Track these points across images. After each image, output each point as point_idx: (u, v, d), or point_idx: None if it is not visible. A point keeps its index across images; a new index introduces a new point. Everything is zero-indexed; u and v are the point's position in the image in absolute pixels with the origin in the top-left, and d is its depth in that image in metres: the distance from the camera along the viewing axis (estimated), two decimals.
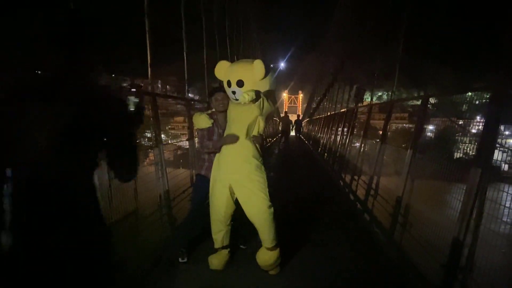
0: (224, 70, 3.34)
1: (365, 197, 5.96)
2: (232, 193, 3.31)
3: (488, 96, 3.01)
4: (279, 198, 3.76)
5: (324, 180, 9.40)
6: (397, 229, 4.25)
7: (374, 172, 5.87)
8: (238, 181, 3.25)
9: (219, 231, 3.43)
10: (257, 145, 3.30)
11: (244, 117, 3.23)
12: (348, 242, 4.33)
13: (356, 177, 7.18)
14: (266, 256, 3.32)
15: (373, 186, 5.76)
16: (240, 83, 3.16)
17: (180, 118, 6.23)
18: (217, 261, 3.46)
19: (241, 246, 3.92)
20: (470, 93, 3.50)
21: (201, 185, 3.55)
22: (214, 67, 3.36)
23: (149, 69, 4.09)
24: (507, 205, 2.63)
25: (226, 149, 3.29)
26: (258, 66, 3.12)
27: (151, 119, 4.07)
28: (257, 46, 19.38)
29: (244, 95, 2.96)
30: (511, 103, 2.82)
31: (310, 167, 12.38)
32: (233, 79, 3.19)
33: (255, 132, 3.29)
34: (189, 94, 8.31)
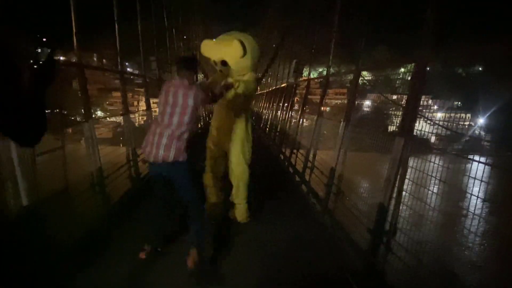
0: (208, 49, 3.71)
1: (303, 170, 6.15)
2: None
3: (411, 70, 3.17)
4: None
5: (266, 155, 9.53)
6: (331, 198, 4.44)
7: (311, 146, 6.04)
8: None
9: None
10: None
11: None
12: (287, 213, 4.46)
13: (295, 151, 7.36)
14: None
15: (310, 159, 5.94)
16: (224, 63, 3.60)
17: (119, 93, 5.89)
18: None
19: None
20: (402, 69, 3.67)
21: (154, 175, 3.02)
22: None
23: (74, 38, 3.79)
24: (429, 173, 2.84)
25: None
26: (235, 46, 3.47)
27: (79, 92, 3.82)
28: (198, 19, 18.81)
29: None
30: (431, 76, 3.02)
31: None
32: (217, 59, 3.63)
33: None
34: (128, 69, 7.89)
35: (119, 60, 5.37)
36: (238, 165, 3.89)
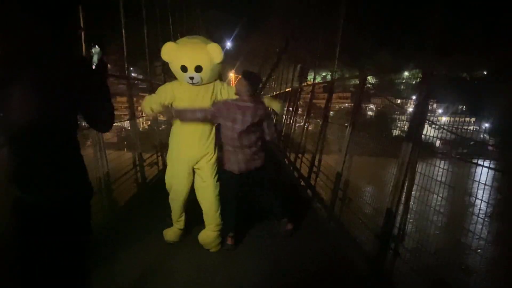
0: (173, 53, 3.19)
1: (308, 174, 6.14)
2: (191, 173, 3.37)
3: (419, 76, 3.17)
4: None
5: (269, 159, 9.50)
6: (337, 203, 4.43)
7: (316, 150, 6.04)
8: (199, 159, 3.32)
9: (181, 216, 3.49)
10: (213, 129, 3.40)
11: (202, 99, 3.28)
12: (292, 219, 4.44)
13: (300, 155, 7.36)
14: (208, 236, 3.41)
15: (316, 163, 5.93)
16: (198, 69, 3.12)
17: (124, 99, 5.93)
18: (173, 234, 3.51)
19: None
20: (406, 73, 3.68)
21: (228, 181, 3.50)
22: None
23: (83, 43, 3.81)
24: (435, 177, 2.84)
25: (187, 128, 3.28)
26: (215, 50, 3.13)
27: None
28: (201, 24, 18.90)
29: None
30: (438, 82, 3.02)
31: None
32: (189, 64, 3.11)
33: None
34: (132, 74, 7.90)
35: (126, 66, 5.40)
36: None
